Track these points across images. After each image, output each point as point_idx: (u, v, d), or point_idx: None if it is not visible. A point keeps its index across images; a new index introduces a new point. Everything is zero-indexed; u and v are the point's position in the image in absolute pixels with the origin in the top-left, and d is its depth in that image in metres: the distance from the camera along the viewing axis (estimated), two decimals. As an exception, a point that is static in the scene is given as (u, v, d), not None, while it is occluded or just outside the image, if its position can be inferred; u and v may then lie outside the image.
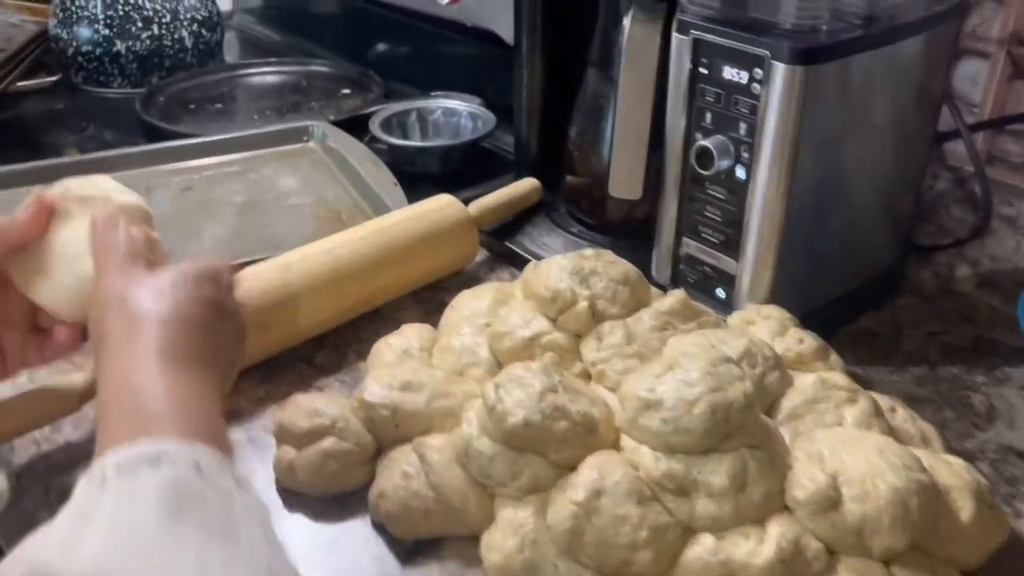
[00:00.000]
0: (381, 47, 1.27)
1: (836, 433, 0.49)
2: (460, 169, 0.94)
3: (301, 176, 0.91)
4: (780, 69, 0.54)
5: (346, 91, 1.16)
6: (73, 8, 1.15)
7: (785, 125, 0.56)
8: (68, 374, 0.57)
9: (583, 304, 0.56)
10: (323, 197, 0.86)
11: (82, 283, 0.48)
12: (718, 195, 0.62)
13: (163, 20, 1.16)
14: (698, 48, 0.59)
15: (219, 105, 1.12)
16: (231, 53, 1.39)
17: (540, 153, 0.84)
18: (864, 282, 0.70)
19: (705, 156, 0.59)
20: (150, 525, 0.32)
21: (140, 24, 1.15)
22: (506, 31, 0.96)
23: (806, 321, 0.61)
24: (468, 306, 0.65)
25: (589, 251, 0.60)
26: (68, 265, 0.49)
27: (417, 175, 0.92)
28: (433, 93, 1.04)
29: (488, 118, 0.95)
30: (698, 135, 0.61)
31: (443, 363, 0.59)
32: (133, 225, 0.48)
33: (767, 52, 0.54)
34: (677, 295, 0.58)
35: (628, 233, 0.76)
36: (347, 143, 0.93)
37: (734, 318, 0.61)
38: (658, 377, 0.48)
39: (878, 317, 0.70)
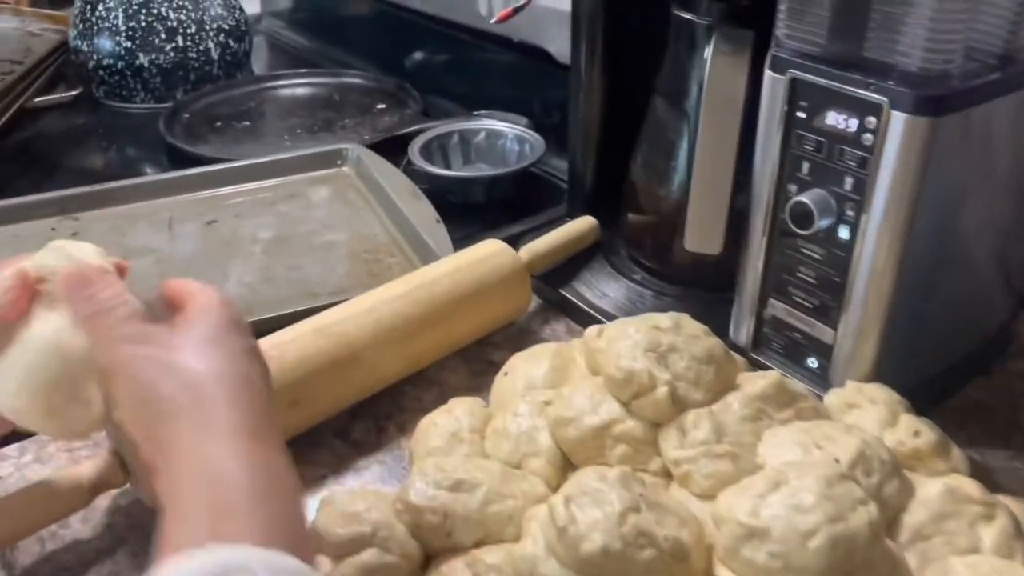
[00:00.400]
0: (418, 56, 1.19)
1: (975, 565, 0.41)
2: (506, 198, 0.86)
3: (335, 207, 0.84)
4: (901, 120, 0.46)
5: (381, 106, 1.09)
6: (93, 19, 1.09)
7: (903, 182, 0.47)
8: (74, 465, 0.50)
9: (663, 390, 0.48)
10: (359, 233, 0.79)
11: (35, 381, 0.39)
12: (814, 255, 0.54)
13: (188, 31, 1.10)
14: (796, 90, 0.50)
15: (247, 123, 1.05)
16: (259, 61, 1.32)
17: (596, 185, 0.76)
18: (973, 346, 0.61)
19: (803, 215, 0.51)
20: None
21: (164, 36, 1.09)
22: (557, 48, 0.88)
23: (912, 396, 0.53)
24: (523, 374, 0.57)
25: (665, 319, 0.52)
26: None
27: (460, 205, 0.85)
28: (475, 113, 0.97)
29: (536, 142, 0.88)
30: (792, 187, 0.53)
31: (498, 450, 0.52)
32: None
33: (885, 99, 0.46)
34: (771, 378, 0.50)
35: (699, 281, 0.68)
36: (384, 170, 0.86)
37: (833, 399, 0.53)
38: (762, 497, 0.41)
39: (987, 385, 0.62)
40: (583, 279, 0.71)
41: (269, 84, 1.16)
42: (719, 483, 0.45)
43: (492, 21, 0.72)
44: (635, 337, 0.51)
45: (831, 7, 0.47)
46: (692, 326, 0.54)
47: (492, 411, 0.56)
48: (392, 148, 0.95)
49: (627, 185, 0.71)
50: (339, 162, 0.91)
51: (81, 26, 1.10)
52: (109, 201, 0.84)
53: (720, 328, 0.62)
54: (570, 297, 0.70)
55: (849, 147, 0.49)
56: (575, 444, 0.50)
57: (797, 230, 0.52)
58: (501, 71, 1.02)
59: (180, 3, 1.09)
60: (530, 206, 0.85)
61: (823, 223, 0.51)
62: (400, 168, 0.91)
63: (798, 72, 0.50)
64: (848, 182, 0.50)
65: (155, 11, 1.08)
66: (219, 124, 1.05)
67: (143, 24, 1.08)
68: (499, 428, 0.52)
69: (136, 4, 1.07)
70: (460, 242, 0.77)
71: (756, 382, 0.50)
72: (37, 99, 1.11)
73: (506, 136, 0.90)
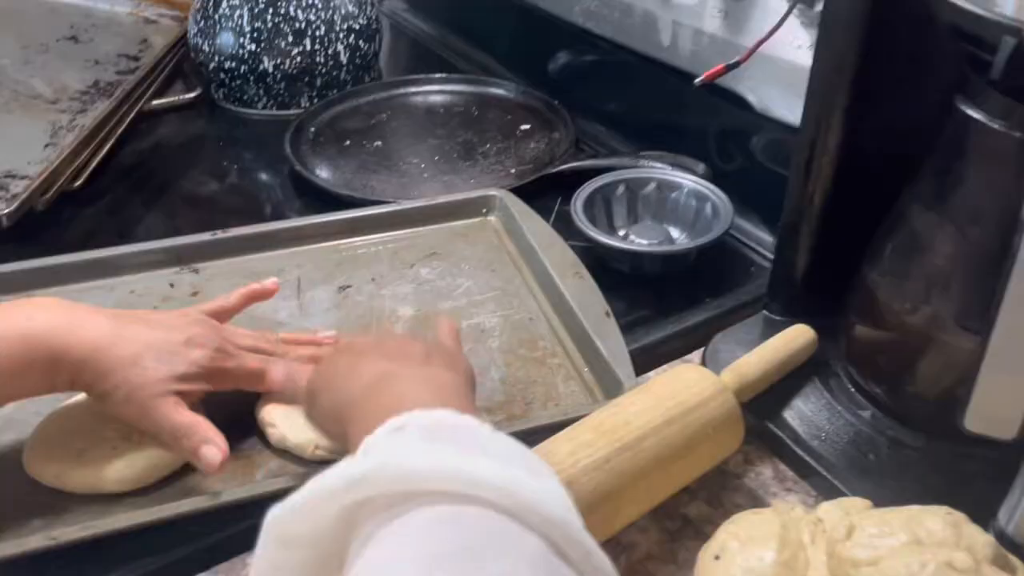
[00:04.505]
0: (564, 60, 1.05)
1: None
2: (684, 271, 0.73)
3: (482, 276, 0.72)
4: None
5: (525, 127, 0.96)
6: (216, 17, 0.99)
7: None
8: None
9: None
10: (512, 317, 0.68)
11: None
12: None
13: (317, 33, 0.99)
14: None
15: (378, 143, 0.94)
16: (381, 49, 1.20)
17: (810, 275, 0.62)
18: None
19: None
20: None
21: (291, 38, 0.98)
22: (758, 97, 0.74)
23: None
24: (741, 565, 0.46)
25: (959, 555, 0.39)
26: None
27: (626, 275, 0.73)
28: (643, 154, 0.83)
29: (721, 203, 0.74)
30: None
31: None
32: None
33: None
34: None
35: (950, 432, 0.54)
36: (536, 229, 0.74)
37: None
38: None
39: None
40: (793, 406, 0.58)
41: (400, 91, 1.04)
42: None
43: (697, 82, 0.58)
44: (913, 568, 0.39)
45: None
46: (980, 543, 0.41)
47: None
48: (540, 182, 0.84)
49: (859, 290, 0.57)
50: (484, 210, 0.80)
51: (202, 23, 1.00)
52: (231, 251, 0.74)
53: (980, 504, 0.49)
54: (777, 432, 0.57)
55: None
56: None
57: None
58: (670, 99, 0.87)
59: (310, 1, 0.98)
60: (714, 281, 0.72)
61: None
62: (552, 217, 0.80)
63: None
64: None
65: (282, 11, 0.97)
66: (348, 143, 0.94)
67: (269, 25, 0.97)
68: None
69: (263, 2, 0.97)
70: (629, 330, 0.65)
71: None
72: (154, 101, 1.02)
73: (681, 189, 0.77)
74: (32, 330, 0.48)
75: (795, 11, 0.64)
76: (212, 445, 0.50)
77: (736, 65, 0.60)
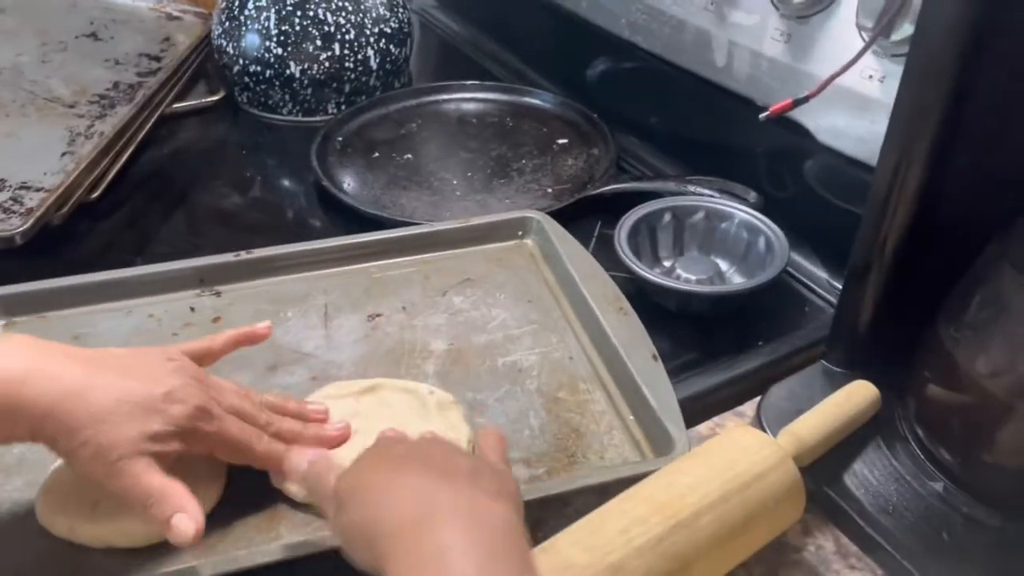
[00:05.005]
0: (603, 69, 1.01)
1: None
2: (733, 312, 0.69)
3: (519, 308, 0.68)
4: None
5: (563, 140, 0.92)
6: (241, 18, 0.94)
7: None
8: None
9: None
10: (550, 356, 0.63)
11: None
12: None
13: (346, 37, 0.94)
14: None
15: (408, 155, 0.90)
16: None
17: (875, 326, 0.58)
18: None
19: None
20: None
21: (319, 43, 0.94)
22: (817, 125, 0.69)
23: None
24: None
25: None
26: None
27: (671, 312, 0.68)
28: (689, 179, 0.79)
29: (775, 237, 0.69)
30: None
31: None
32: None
33: None
34: None
35: (1032, 513, 0.50)
36: (576, 257, 0.70)
37: None
38: None
39: None
40: (855, 472, 0.54)
41: (431, 98, 1.00)
42: None
43: (763, 117, 0.54)
44: None
45: None
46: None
47: None
48: (578, 203, 0.80)
49: (932, 347, 0.53)
50: (520, 233, 0.76)
51: (227, 24, 0.96)
52: (254, 273, 0.70)
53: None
54: (840, 501, 0.53)
55: None
56: None
57: None
58: (719, 120, 0.83)
59: (340, 4, 0.94)
60: (765, 322, 0.68)
61: None
62: (592, 242, 0.76)
63: None
64: None
65: (311, 13, 0.93)
66: (377, 155, 0.90)
67: (297, 28, 0.93)
68: None
69: (291, 4, 0.93)
70: (675, 374, 0.61)
71: None
72: (176, 104, 0.98)
73: (732, 220, 0.73)
74: None
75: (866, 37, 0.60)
76: (185, 515, 0.44)
77: (805, 100, 0.55)
